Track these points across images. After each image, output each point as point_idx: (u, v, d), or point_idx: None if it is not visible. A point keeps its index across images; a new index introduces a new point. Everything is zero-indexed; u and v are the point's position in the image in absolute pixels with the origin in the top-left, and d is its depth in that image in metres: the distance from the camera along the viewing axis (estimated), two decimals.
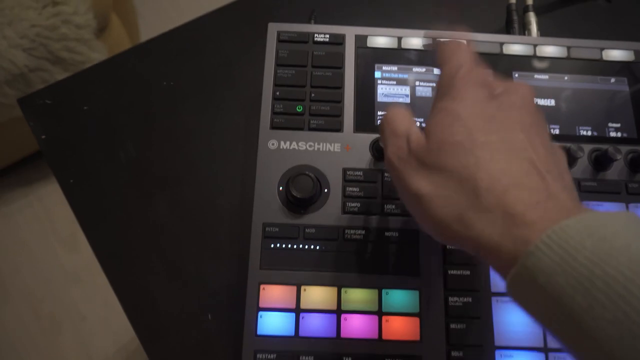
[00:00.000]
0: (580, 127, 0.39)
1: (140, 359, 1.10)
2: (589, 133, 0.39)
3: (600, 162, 0.37)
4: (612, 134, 0.39)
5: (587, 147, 0.38)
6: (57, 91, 0.47)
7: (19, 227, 1.26)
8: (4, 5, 0.94)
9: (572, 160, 0.37)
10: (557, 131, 0.39)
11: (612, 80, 0.40)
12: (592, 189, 0.37)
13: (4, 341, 1.12)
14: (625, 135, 0.39)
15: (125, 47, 1.19)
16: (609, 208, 0.37)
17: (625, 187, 0.37)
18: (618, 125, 0.39)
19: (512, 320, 0.34)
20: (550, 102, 0.40)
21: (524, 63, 0.41)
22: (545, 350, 0.34)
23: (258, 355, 0.33)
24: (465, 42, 0.31)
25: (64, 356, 1.11)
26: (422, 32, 0.41)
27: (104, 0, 1.09)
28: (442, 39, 0.32)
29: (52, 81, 1.01)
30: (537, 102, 0.38)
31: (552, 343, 0.34)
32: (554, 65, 0.41)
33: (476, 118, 0.26)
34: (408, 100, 0.40)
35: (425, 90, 0.40)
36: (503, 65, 0.41)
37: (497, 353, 0.34)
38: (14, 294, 1.17)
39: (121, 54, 0.49)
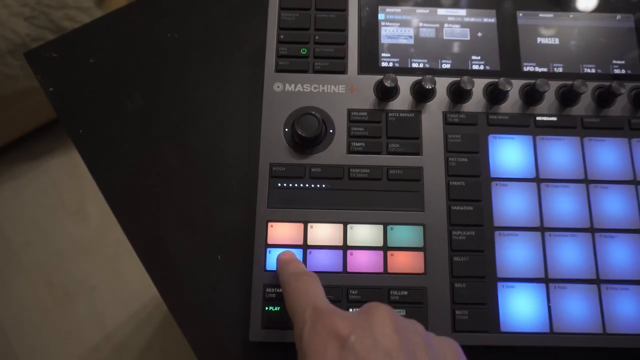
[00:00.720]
0: (584, 65, 0.39)
1: (150, 325, 1.13)
2: (593, 71, 0.39)
3: (604, 98, 0.37)
4: (616, 71, 0.39)
5: (591, 85, 0.38)
6: (62, 44, 0.47)
7: (28, 200, 1.27)
8: None
9: (575, 95, 0.37)
10: (560, 69, 0.39)
11: (618, 17, 0.40)
12: (595, 125, 0.37)
13: (19, 312, 1.15)
14: (629, 72, 0.39)
15: None
16: (612, 143, 0.37)
17: (629, 123, 0.37)
18: (622, 62, 0.39)
19: (514, 254, 0.35)
20: (555, 41, 0.40)
21: (528, 1, 0.40)
22: (546, 280, 0.34)
23: (267, 289, 0.34)
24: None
25: (77, 325, 1.14)
26: None
27: None
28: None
29: None
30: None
31: (552, 274, 0.34)
32: (559, 3, 0.40)
33: None
34: (412, 41, 0.40)
35: (428, 31, 0.40)
36: (507, 4, 0.40)
37: (499, 284, 0.34)
38: (25, 267, 1.20)
39: (124, 7, 0.49)
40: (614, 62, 0.39)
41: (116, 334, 1.12)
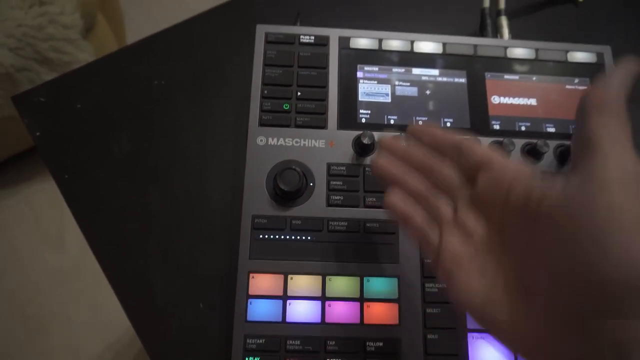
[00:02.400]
0: (546, 125, 0.42)
1: (127, 356, 1.11)
2: (554, 130, 0.42)
3: (565, 156, 0.40)
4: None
5: (552, 143, 0.41)
6: (50, 89, 0.48)
7: (5, 227, 1.25)
8: None
9: (538, 154, 0.39)
10: (524, 128, 0.42)
11: (576, 80, 0.43)
12: None
13: None
14: None
15: (112, 48, 1.20)
16: None
17: None
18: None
19: None
20: (520, 101, 0.42)
21: (495, 64, 0.43)
22: None
23: (248, 340, 0.35)
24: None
25: (51, 358, 1.11)
26: (401, 34, 0.44)
27: (91, 1, 1.09)
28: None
29: (39, 81, 1.02)
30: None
31: None
32: (523, 66, 0.44)
33: None
34: (389, 99, 0.42)
35: (404, 89, 0.42)
36: (476, 66, 0.43)
37: (470, 335, 0.36)
38: None
39: (112, 54, 0.51)
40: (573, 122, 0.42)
41: None
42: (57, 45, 1.03)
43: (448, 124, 0.42)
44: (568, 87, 0.43)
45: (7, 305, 1.16)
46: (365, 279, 0.37)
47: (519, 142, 0.41)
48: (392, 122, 0.41)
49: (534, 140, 0.40)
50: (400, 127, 0.41)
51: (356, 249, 0.37)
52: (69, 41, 1.05)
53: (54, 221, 1.26)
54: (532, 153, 0.40)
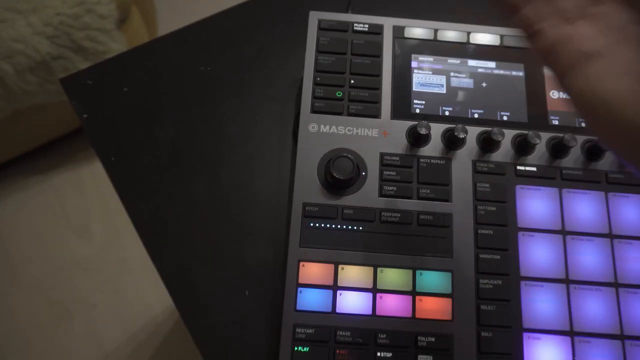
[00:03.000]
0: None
1: (149, 347, 1.12)
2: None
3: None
4: None
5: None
6: (97, 72, 0.48)
7: (33, 214, 1.27)
8: None
9: (600, 150, 0.38)
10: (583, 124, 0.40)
11: None
12: (619, 180, 0.38)
13: (16, 328, 1.13)
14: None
15: (144, 39, 1.21)
16: (636, 199, 0.38)
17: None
18: None
19: (540, 305, 0.35)
20: None
21: None
22: (571, 334, 0.35)
23: (297, 329, 0.34)
24: None
25: (75, 344, 1.12)
26: (457, 25, 0.43)
27: None
28: None
29: (73, 69, 1.03)
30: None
31: (577, 327, 0.35)
32: None
33: None
34: (444, 90, 0.41)
35: (459, 80, 0.41)
36: (535, 59, 0.42)
37: (525, 335, 0.35)
38: (25, 282, 1.19)
39: (158, 39, 0.51)
40: None
41: (114, 356, 1.10)
42: (93, 34, 1.04)
43: (504, 118, 0.40)
44: None
45: (32, 291, 1.17)
46: (417, 272, 0.36)
47: (580, 139, 0.39)
48: (446, 113, 0.40)
49: (595, 137, 0.38)
50: (455, 119, 0.40)
51: (409, 241, 0.36)
52: (103, 31, 1.05)
53: (80, 210, 1.27)
54: (593, 150, 0.38)
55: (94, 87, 0.48)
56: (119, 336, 1.12)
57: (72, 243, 1.24)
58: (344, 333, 0.34)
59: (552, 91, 0.41)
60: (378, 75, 0.41)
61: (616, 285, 0.36)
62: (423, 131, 0.37)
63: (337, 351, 0.34)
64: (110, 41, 1.08)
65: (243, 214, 0.43)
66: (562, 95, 0.41)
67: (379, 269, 0.36)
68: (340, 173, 0.36)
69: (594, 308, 0.35)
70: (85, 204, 1.28)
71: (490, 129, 0.38)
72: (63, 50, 1.03)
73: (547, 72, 0.42)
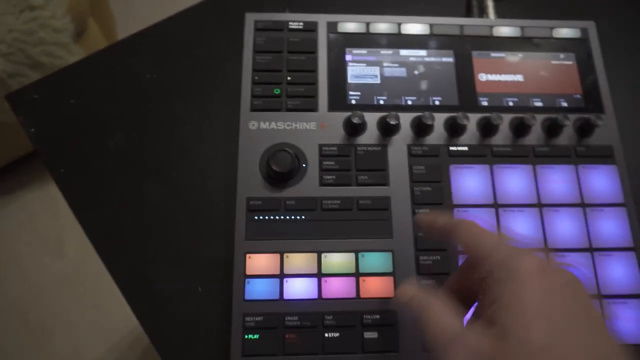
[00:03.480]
0: (533, 99, 0.43)
1: (132, 356, 1.12)
2: (541, 104, 0.43)
3: (552, 129, 0.41)
4: (563, 104, 0.43)
5: (540, 117, 0.41)
6: (43, 86, 0.49)
7: (4, 234, 1.26)
8: None
9: (526, 127, 0.40)
10: (512, 103, 0.42)
11: (561, 55, 0.44)
12: (545, 153, 0.41)
13: None
14: (573, 105, 0.43)
15: None
16: (560, 170, 0.40)
17: (575, 151, 0.41)
18: (566, 96, 0.43)
19: None
20: (506, 77, 0.43)
21: (482, 43, 0.44)
22: None
23: (247, 318, 0.36)
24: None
25: None
26: (388, 17, 0.45)
27: (81, 4, 1.10)
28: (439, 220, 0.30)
29: None
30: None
31: None
32: (509, 44, 0.44)
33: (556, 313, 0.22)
34: (378, 80, 0.43)
35: (392, 70, 0.43)
36: (463, 46, 0.44)
37: None
38: (1, 303, 1.17)
39: (103, 50, 0.52)
40: (560, 96, 0.43)
41: None
42: (49, 49, 1.03)
43: (437, 102, 0.42)
44: (554, 62, 0.44)
45: (9, 311, 1.16)
46: (360, 254, 0.37)
47: (507, 117, 0.42)
48: (381, 102, 0.42)
49: (522, 115, 0.41)
50: (390, 107, 0.42)
51: (350, 226, 0.38)
52: (60, 45, 1.05)
53: (53, 227, 1.26)
54: (520, 127, 0.41)
55: (41, 101, 0.48)
56: (99, 349, 1.12)
57: (46, 261, 1.23)
58: (291, 318, 0.36)
59: (480, 74, 0.43)
60: (314, 70, 0.42)
61: (546, 250, 0.38)
62: (356, 120, 0.39)
63: (286, 335, 0.35)
64: (68, 55, 1.08)
65: (196, 212, 0.44)
66: (490, 77, 0.43)
67: (322, 255, 0.37)
68: (279, 166, 0.38)
69: None
70: (57, 221, 1.27)
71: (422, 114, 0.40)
72: (19, 67, 1.02)
73: (475, 57, 0.44)
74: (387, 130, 0.40)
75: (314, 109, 0.41)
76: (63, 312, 1.16)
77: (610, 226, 0.39)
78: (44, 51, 1.03)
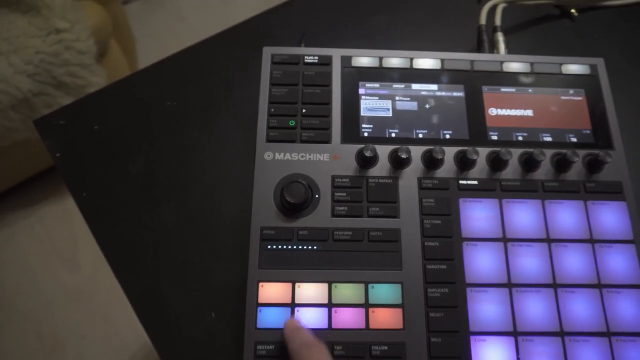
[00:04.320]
0: (543, 135, 0.43)
1: None
2: (550, 139, 0.43)
3: (561, 164, 0.41)
4: (572, 139, 0.43)
5: (549, 152, 0.42)
6: (69, 113, 0.51)
7: (22, 248, 1.28)
8: (10, 34, 0.99)
9: (535, 162, 0.41)
10: (521, 138, 0.43)
11: (571, 91, 0.45)
12: (554, 188, 0.41)
13: None
14: (582, 140, 0.43)
15: (124, 72, 1.24)
16: (569, 205, 0.41)
17: (584, 187, 0.41)
18: (575, 131, 0.44)
19: (485, 309, 0.38)
20: (516, 112, 0.44)
21: (492, 78, 0.45)
22: (514, 334, 0.37)
23: (258, 347, 0.37)
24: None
25: None
26: (400, 52, 0.46)
27: (104, 28, 1.14)
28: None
29: (55, 104, 1.06)
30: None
31: (521, 327, 0.37)
32: (519, 79, 0.45)
33: None
34: (390, 113, 0.44)
35: (404, 104, 0.44)
36: (474, 81, 0.45)
37: (472, 338, 0.37)
38: (16, 316, 1.20)
39: (126, 78, 0.54)
40: (569, 131, 0.44)
41: None
42: (72, 70, 1.07)
43: (447, 136, 0.43)
44: (563, 97, 0.45)
45: (23, 324, 1.18)
46: (369, 285, 0.38)
47: (516, 152, 0.42)
48: (393, 135, 0.43)
49: (531, 150, 0.42)
50: (401, 140, 0.43)
51: (361, 257, 0.39)
52: (83, 66, 1.09)
53: (68, 241, 1.29)
54: (529, 162, 0.42)
55: (66, 126, 0.51)
56: None
57: (61, 274, 1.25)
58: None
59: (491, 109, 0.44)
60: (328, 103, 0.44)
61: (555, 286, 0.39)
62: (368, 153, 0.40)
63: None
64: (91, 75, 1.11)
65: (211, 239, 0.45)
66: (500, 112, 0.44)
67: (333, 285, 0.38)
68: (293, 197, 0.39)
69: (535, 309, 0.38)
70: (72, 235, 1.29)
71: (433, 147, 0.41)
72: (44, 87, 1.06)
73: (485, 91, 0.45)
74: (398, 163, 0.41)
75: (327, 140, 0.43)
76: (76, 326, 1.18)
77: (619, 262, 0.39)
78: (68, 72, 1.07)
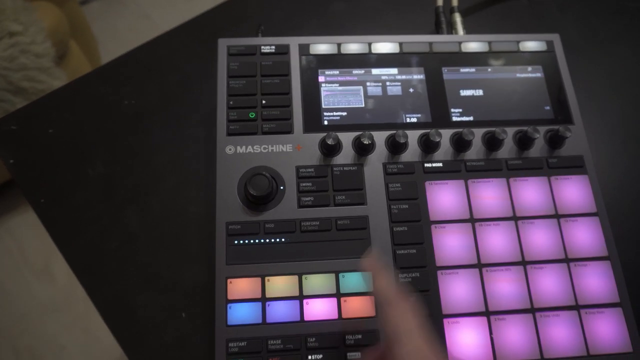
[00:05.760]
0: (504, 113, 0.44)
1: None
2: (511, 117, 0.43)
3: (523, 142, 0.42)
4: (533, 117, 0.44)
5: (511, 131, 0.42)
6: (21, 117, 0.49)
7: None
8: None
9: (498, 141, 0.41)
10: (483, 118, 0.43)
11: (529, 68, 0.45)
12: (518, 166, 0.41)
13: None
14: (542, 117, 0.44)
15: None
16: (534, 182, 0.41)
17: (547, 162, 0.42)
18: (535, 108, 0.44)
19: (457, 290, 0.38)
20: (477, 92, 0.44)
21: (451, 59, 0.45)
22: (487, 314, 0.37)
23: (230, 344, 0.36)
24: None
25: None
26: (358, 37, 0.45)
27: (61, 29, 1.10)
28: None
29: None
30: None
31: (492, 307, 0.38)
32: (478, 59, 0.45)
33: None
34: (351, 100, 0.43)
35: (366, 90, 0.44)
36: (433, 63, 0.45)
37: (445, 320, 0.37)
38: None
39: (81, 78, 0.52)
40: (530, 108, 0.44)
41: None
42: (31, 74, 1.03)
43: (410, 119, 0.43)
44: (522, 75, 0.45)
45: None
46: (340, 274, 0.38)
47: (479, 132, 0.42)
48: (355, 122, 0.43)
49: (493, 129, 0.42)
50: (364, 127, 0.42)
51: (330, 246, 0.39)
52: (42, 70, 1.05)
53: (40, 252, 1.25)
54: (492, 141, 0.42)
55: (19, 131, 0.48)
56: None
57: (35, 286, 1.22)
58: (274, 342, 0.36)
59: (451, 89, 0.44)
60: (288, 93, 0.43)
61: (524, 263, 0.39)
62: (331, 141, 0.40)
63: (270, 359, 0.35)
64: (51, 79, 1.07)
65: (176, 239, 0.44)
66: (461, 92, 0.44)
67: (303, 277, 0.38)
68: (257, 190, 0.38)
69: (506, 287, 0.38)
70: (44, 245, 1.26)
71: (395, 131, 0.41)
72: (1, 93, 1.02)
73: (445, 73, 0.45)
74: (362, 149, 0.41)
75: (289, 131, 0.42)
76: (53, 338, 1.15)
77: (585, 236, 0.40)
78: (26, 76, 1.03)
